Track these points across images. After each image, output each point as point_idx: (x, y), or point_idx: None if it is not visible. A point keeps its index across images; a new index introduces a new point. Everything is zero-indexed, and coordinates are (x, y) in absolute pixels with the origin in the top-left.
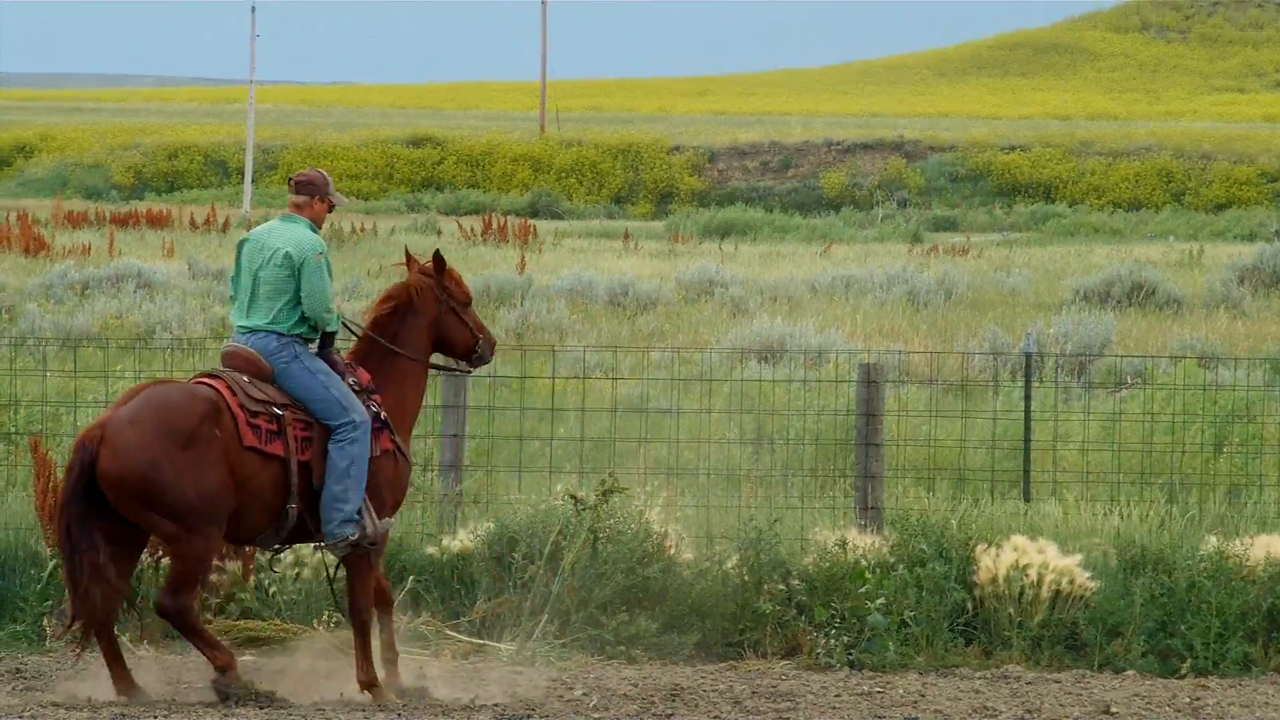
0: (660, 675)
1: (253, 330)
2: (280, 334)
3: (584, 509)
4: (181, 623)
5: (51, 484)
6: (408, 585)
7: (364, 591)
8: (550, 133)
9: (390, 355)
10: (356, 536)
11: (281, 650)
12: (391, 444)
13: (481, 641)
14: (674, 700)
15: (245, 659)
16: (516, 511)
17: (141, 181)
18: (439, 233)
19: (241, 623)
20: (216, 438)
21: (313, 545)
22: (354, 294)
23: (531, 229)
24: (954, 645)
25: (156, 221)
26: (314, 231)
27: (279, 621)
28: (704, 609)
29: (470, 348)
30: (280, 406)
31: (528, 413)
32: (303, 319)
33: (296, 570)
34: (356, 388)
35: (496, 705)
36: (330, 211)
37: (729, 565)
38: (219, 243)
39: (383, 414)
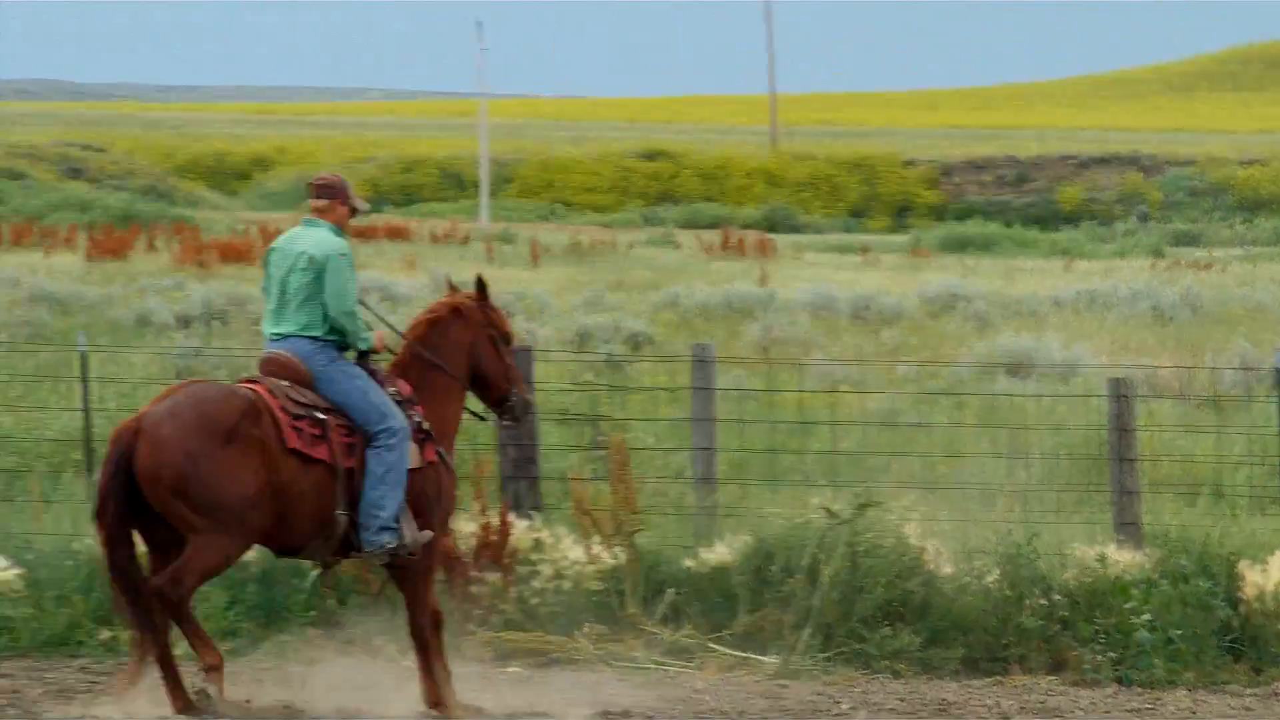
0: (926, 690)
1: (285, 336)
2: (314, 338)
3: (840, 522)
4: (177, 611)
5: None
6: (668, 598)
7: (421, 609)
8: (782, 146)
9: (429, 369)
10: (394, 545)
11: (545, 661)
12: (436, 456)
13: (745, 655)
14: (942, 715)
15: (511, 670)
16: (772, 525)
17: (378, 194)
18: (677, 246)
19: (504, 634)
20: (255, 437)
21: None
22: (595, 307)
23: (770, 243)
24: (1222, 662)
25: (396, 234)
26: (337, 234)
27: (541, 633)
28: (966, 623)
29: (504, 393)
30: (323, 411)
31: (778, 426)
32: (334, 326)
33: (556, 583)
34: (397, 398)
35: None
36: (353, 216)
37: (989, 580)
38: (459, 255)
39: (425, 424)
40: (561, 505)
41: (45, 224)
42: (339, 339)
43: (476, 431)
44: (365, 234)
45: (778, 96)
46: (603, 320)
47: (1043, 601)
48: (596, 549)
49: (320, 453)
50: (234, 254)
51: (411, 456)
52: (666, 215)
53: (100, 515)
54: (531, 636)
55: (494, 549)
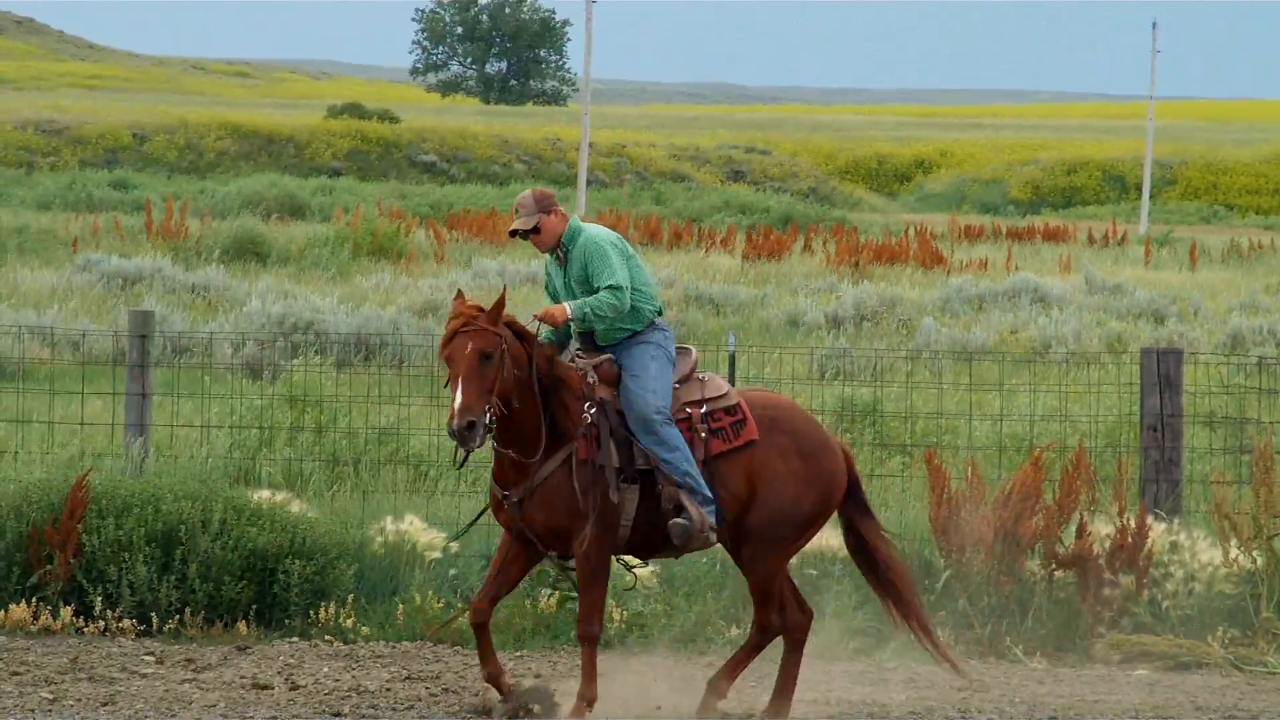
0: None
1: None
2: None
3: None
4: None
5: (945, 495)
6: None
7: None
8: None
9: None
10: None
11: (1174, 665)
12: None
13: None
14: None
15: (1138, 673)
16: None
17: (1038, 197)
18: None
19: (1134, 637)
20: None
21: None
22: (1250, 309)
23: None
24: None
25: (1053, 236)
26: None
27: (1171, 637)
28: None
29: None
30: None
31: None
32: None
33: (1190, 585)
34: None
35: None
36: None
37: None
38: (1115, 257)
39: None
40: (1201, 509)
41: (705, 225)
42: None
43: (1120, 433)
44: (1022, 235)
45: None
46: (1257, 323)
47: None
48: (1234, 552)
49: None
50: (888, 255)
51: None
52: None
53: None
54: (1162, 640)
55: (1130, 551)
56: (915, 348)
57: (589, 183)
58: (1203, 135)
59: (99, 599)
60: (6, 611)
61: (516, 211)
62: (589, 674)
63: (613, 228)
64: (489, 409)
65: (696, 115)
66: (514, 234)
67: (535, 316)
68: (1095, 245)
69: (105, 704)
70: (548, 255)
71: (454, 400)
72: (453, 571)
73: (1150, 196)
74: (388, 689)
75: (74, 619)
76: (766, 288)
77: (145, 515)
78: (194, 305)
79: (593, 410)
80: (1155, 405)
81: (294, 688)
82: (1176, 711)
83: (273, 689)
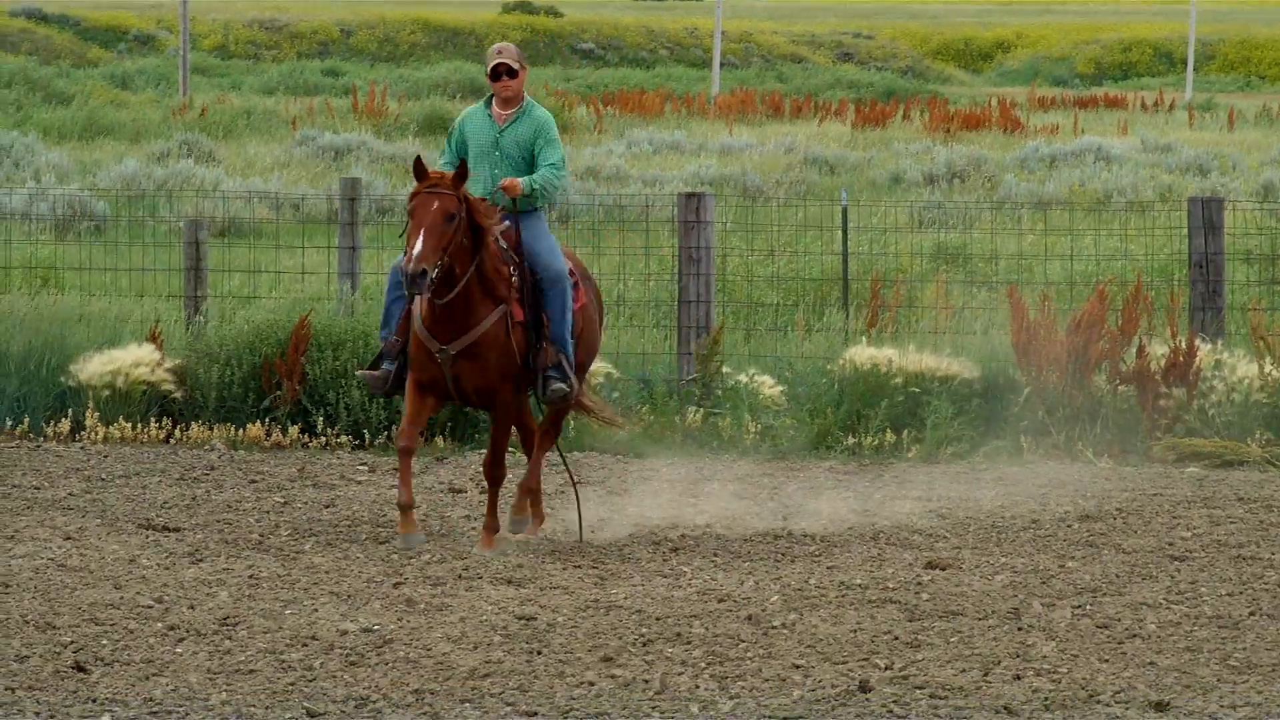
0: None
1: None
2: None
3: None
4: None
5: (1025, 324)
6: None
7: None
8: None
9: None
10: None
11: (1220, 463)
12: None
13: None
14: None
15: (1189, 470)
16: None
17: (1100, 71)
18: None
19: (1185, 440)
20: None
21: None
22: (1279, 164)
23: None
24: None
25: (1113, 104)
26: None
27: (1217, 440)
28: None
29: None
30: None
31: None
32: None
33: (1231, 396)
34: None
35: None
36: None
37: None
38: (1165, 121)
39: None
40: (1240, 332)
41: (820, 99)
42: None
43: (1172, 270)
44: (1087, 104)
45: None
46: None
47: None
48: (1268, 368)
49: None
50: (974, 122)
51: None
52: None
53: None
54: (1208, 442)
55: (1181, 369)
56: (998, 199)
57: (721, 65)
58: (1237, 17)
59: (320, 419)
60: (245, 429)
61: (500, 53)
62: (493, 509)
63: (743, 103)
64: (439, 264)
65: (811, 6)
66: (494, 71)
67: (500, 186)
68: (1148, 111)
69: (328, 506)
70: (475, 110)
71: (411, 248)
72: (615, 394)
73: (1194, 69)
74: (561, 491)
75: (300, 435)
76: (872, 151)
77: (357, 348)
78: (393, 172)
79: (515, 274)
80: (1201, 245)
81: (483, 491)
82: (1222, 502)
83: (465, 491)
